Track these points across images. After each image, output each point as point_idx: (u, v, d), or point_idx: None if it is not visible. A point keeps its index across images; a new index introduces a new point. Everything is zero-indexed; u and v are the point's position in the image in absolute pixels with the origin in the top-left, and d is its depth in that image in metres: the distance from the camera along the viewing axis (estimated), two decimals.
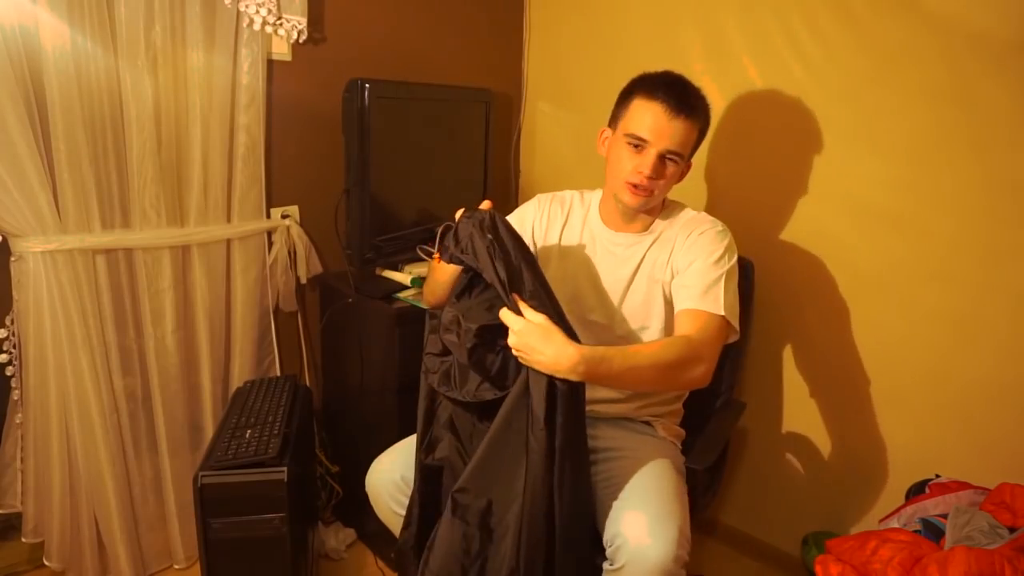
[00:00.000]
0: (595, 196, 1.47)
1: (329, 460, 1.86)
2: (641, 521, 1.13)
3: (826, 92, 1.58)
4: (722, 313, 1.24)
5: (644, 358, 1.14)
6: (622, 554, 1.11)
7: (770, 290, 1.71)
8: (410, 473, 1.29)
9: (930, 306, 1.49)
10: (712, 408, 1.54)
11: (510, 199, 2.36)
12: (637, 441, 1.37)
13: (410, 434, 1.65)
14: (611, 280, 1.39)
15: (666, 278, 1.36)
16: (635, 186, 1.28)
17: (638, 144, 1.27)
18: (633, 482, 1.23)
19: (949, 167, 1.43)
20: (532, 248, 1.46)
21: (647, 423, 1.43)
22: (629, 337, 1.39)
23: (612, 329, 1.39)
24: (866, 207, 1.55)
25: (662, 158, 1.27)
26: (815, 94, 1.59)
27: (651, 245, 1.38)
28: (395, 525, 1.36)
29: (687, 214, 1.40)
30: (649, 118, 1.25)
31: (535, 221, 1.46)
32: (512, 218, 1.47)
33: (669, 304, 1.35)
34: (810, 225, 1.65)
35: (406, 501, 1.32)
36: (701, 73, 1.75)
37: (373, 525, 1.82)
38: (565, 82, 2.16)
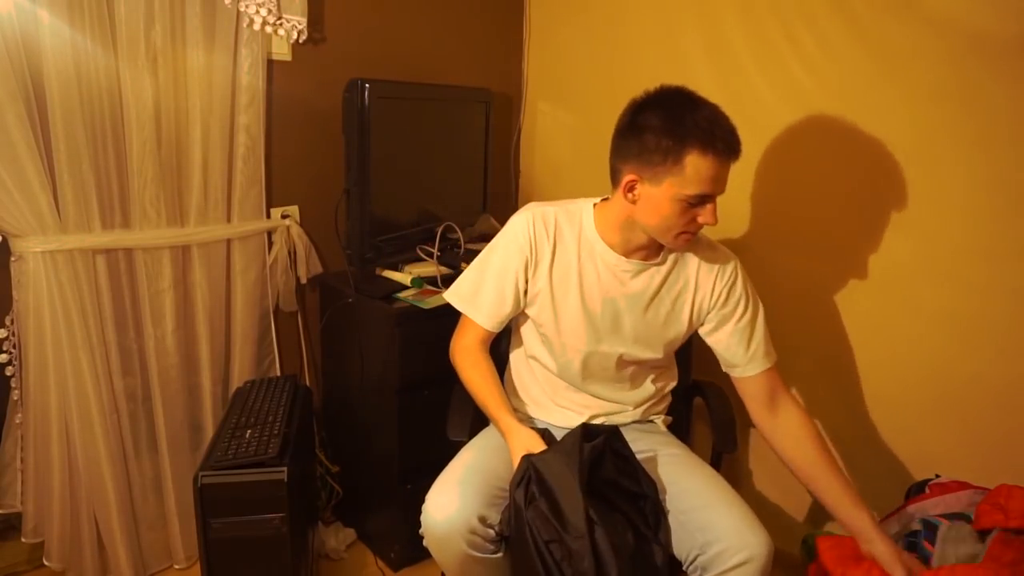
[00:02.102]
0: (583, 211, 1.32)
1: (329, 460, 1.86)
2: (740, 522, 1.17)
3: (826, 92, 1.57)
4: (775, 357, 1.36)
5: None
6: (728, 555, 1.13)
7: (771, 290, 1.70)
8: (489, 511, 1.17)
9: (931, 306, 1.49)
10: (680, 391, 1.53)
11: (510, 199, 2.35)
12: (657, 441, 1.38)
13: (414, 435, 1.66)
14: (624, 306, 1.31)
15: (690, 312, 1.33)
16: (691, 234, 1.24)
17: (701, 202, 1.18)
18: (699, 485, 1.26)
19: (950, 167, 1.43)
20: (526, 279, 1.33)
21: (650, 421, 1.44)
22: (637, 361, 1.35)
23: (623, 356, 1.33)
24: (866, 207, 1.55)
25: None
26: (815, 94, 1.59)
27: (668, 273, 1.31)
28: (466, 567, 1.20)
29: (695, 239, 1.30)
30: (711, 173, 1.15)
31: (531, 242, 1.30)
32: (506, 238, 1.33)
33: (688, 330, 1.35)
34: (811, 225, 1.65)
35: (487, 543, 1.17)
36: (701, 73, 1.76)
37: (373, 525, 1.83)
38: (565, 82, 2.16)
